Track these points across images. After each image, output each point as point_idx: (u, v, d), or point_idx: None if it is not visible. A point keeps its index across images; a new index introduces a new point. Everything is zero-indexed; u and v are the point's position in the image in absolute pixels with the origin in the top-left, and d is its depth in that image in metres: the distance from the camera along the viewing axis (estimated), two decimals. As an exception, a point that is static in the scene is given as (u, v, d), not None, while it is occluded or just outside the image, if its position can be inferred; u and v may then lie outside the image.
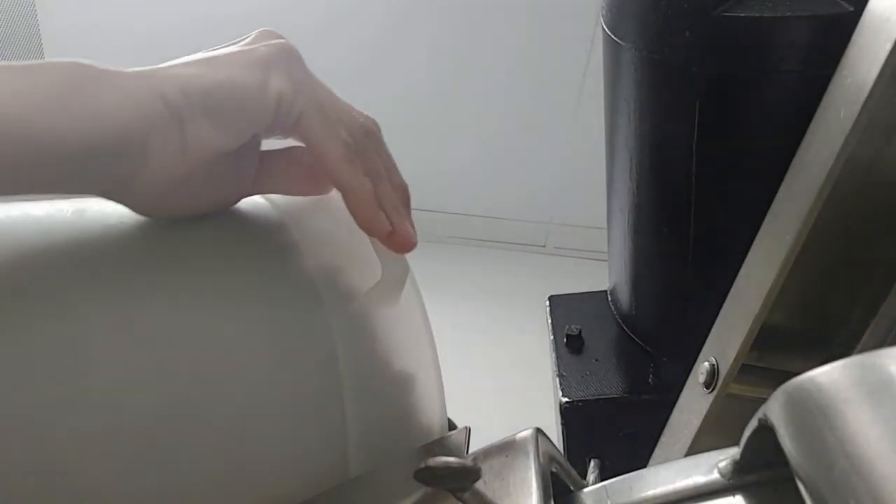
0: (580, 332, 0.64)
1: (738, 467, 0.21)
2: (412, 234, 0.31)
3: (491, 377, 1.42)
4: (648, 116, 0.49)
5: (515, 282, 1.77)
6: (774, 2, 0.41)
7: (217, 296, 0.28)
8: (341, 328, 0.29)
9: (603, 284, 0.70)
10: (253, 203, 0.33)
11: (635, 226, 0.56)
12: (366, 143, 0.31)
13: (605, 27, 0.51)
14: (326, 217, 0.32)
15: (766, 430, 0.18)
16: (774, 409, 0.18)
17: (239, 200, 0.32)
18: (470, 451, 0.28)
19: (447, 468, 0.21)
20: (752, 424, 0.20)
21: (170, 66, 0.27)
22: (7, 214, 0.28)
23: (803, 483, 0.17)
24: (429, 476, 0.21)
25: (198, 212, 0.31)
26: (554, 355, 0.64)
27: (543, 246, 1.92)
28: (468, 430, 0.29)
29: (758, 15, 0.41)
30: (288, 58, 0.29)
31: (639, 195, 0.54)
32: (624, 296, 0.63)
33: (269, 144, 0.33)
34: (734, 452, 0.21)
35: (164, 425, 0.25)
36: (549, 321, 0.68)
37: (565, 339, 0.64)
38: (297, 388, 0.28)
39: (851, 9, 0.39)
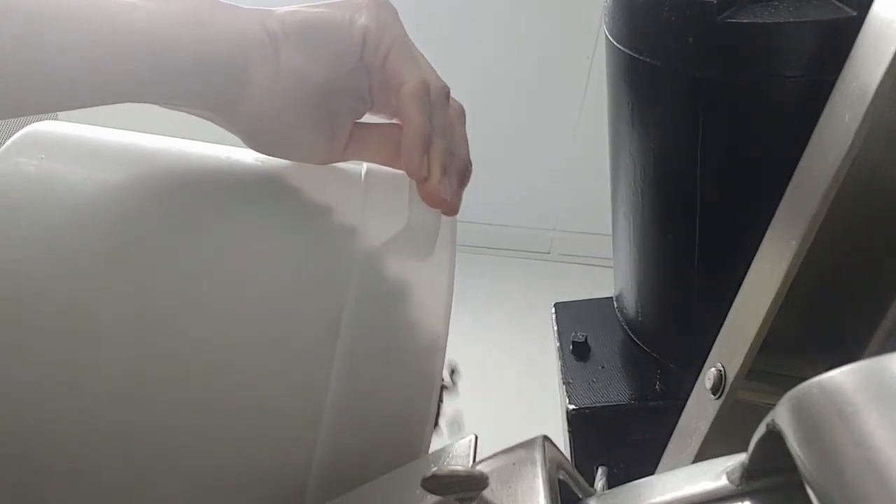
0: (586, 338, 0.64)
1: (747, 473, 0.21)
2: (446, 192, 0.33)
3: (497, 385, 1.41)
4: (652, 123, 0.49)
5: (520, 289, 1.77)
6: (777, 7, 0.41)
7: (270, 220, 0.35)
8: (359, 270, 0.34)
9: (608, 291, 0.69)
10: (346, 164, 0.38)
11: (640, 232, 0.56)
12: (444, 104, 0.33)
13: (607, 33, 0.51)
14: (395, 188, 0.36)
15: (774, 436, 0.18)
16: (782, 415, 0.18)
17: (334, 161, 0.37)
18: (477, 459, 0.27)
19: (454, 476, 0.21)
20: (761, 430, 0.19)
21: (276, 8, 0.32)
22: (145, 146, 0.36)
23: (813, 488, 0.17)
24: (436, 484, 0.21)
25: (297, 159, 0.36)
26: (560, 362, 0.64)
27: (548, 253, 1.92)
28: (475, 438, 0.29)
29: (760, 20, 0.41)
30: (378, 5, 0.32)
31: (643, 201, 0.54)
32: (630, 302, 0.63)
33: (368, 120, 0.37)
34: (743, 458, 0.21)
35: (179, 303, 0.32)
36: (555, 328, 0.68)
37: (571, 346, 0.64)
38: (303, 306, 0.33)
39: (855, 13, 0.39)
